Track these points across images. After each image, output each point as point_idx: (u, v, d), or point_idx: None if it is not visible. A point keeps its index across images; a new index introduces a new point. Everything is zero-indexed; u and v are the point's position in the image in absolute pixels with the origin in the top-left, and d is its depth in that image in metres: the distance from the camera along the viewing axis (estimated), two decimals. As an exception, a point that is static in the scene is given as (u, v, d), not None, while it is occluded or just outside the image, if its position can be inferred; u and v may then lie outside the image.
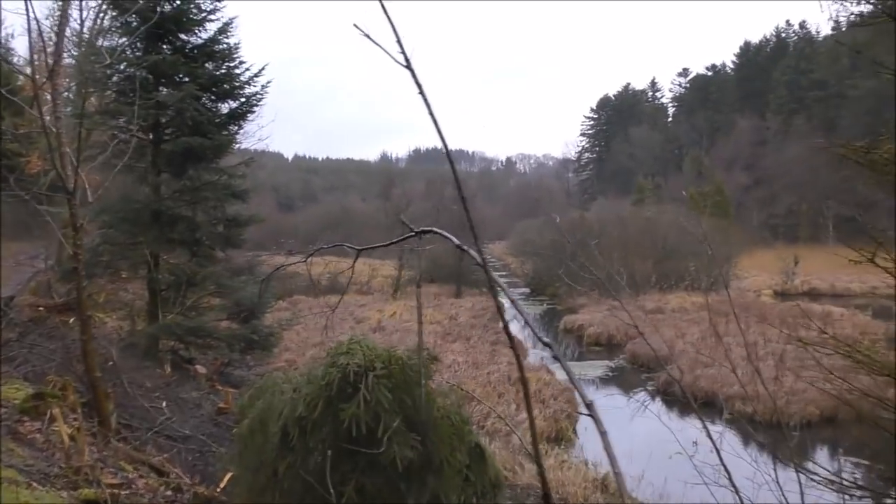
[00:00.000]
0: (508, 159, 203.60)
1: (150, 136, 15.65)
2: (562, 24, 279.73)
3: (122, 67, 15.81)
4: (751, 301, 32.85)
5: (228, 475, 6.56)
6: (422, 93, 1.74)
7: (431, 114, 1.77)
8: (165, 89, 15.88)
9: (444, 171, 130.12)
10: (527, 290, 43.25)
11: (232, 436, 10.30)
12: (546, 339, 2.06)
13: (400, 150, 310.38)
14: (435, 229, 2.70)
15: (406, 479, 5.54)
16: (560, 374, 18.94)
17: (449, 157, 1.72)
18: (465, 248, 2.37)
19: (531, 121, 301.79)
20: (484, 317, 28.80)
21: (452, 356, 19.29)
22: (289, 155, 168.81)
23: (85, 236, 17.81)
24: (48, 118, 7.07)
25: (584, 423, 14.86)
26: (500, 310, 5.24)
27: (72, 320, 15.63)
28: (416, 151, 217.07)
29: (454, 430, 6.00)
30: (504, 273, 52.49)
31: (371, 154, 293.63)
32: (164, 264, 15.84)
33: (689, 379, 17.49)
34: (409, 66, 1.64)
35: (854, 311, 30.48)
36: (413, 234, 2.61)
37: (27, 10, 6.45)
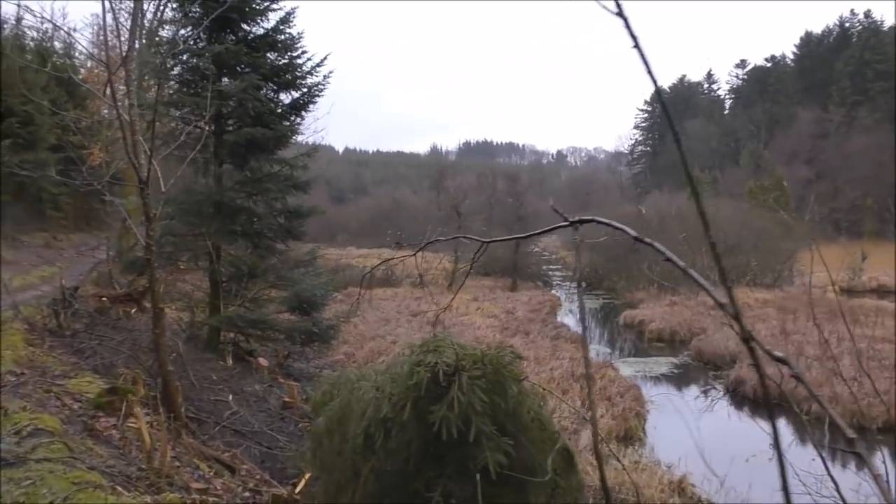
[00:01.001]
0: (559, 152, 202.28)
1: (212, 127, 15.56)
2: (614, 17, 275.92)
3: (184, 58, 15.77)
4: (818, 297, 31.84)
5: (306, 476, 6.29)
6: (637, 46, 1.38)
7: (649, 70, 1.42)
8: (227, 80, 15.79)
9: (493, 163, 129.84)
10: (583, 284, 42.63)
11: (301, 431, 10.13)
12: (778, 354, 1.64)
13: (450, 143, 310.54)
14: (597, 218, 2.33)
15: (497, 486, 5.22)
16: (625, 371, 18.48)
17: (662, 103, 1.34)
18: (647, 240, 1.99)
19: (582, 113, 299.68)
20: (542, 311, 28.40)
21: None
22: (339, 148, 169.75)
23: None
24: (121, 106, 6.87)
25: (653, 422, 14.40)
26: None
27: (134, 311, 15.71)
28: (466, 144, 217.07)
29: (545, 434, 5.67)
30: (558, 266, 51.87)
31: (421, 147, 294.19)
32: (225, 256, 15.77)
33: (756, 378, 16.87)
34: (620, 14, 1.30)
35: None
36: (567, 223, 2.24)
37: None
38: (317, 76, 16.28)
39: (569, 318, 29.85)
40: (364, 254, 48.54)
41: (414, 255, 4.18)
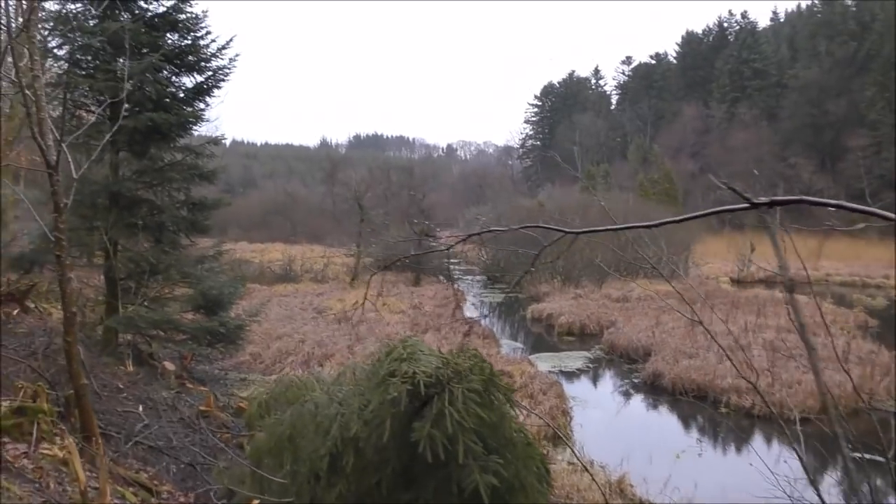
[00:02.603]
0: (449, 146, 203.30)
1: (107, 112, 14.31)
2: (503, 12, 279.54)
3: (75, 36, 14.45)
4: (714, 288, 32.65)
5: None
6: None
7: None
8: (123, 60, 14.56)
9: (384, 157, 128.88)
10: (484, 277, 42.47)
11: (225, 444, 9.24)
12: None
13: (340, 136, 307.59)
14: (803, 198, 1.76)
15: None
16: (541, 366, 18.21)
17: None
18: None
19: (472, 108, 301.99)
20: (448, 306, 27.88)
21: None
22: (227, 139, 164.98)
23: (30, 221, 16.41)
24: (24, 78, 5.91)
25: (580, 420, 14.09)
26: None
27: (16, 312, 14.31)
28: (356, 137, 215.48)
29: (530, 449, 5.12)
30: (457, 261, 51.60)
31: (310, 140, 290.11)
32: (123, 251, 14.58)
33: (675, 371, 16.89)
34: None
35: (813, 298, 30.33)
36: (749, 206, 1.69)
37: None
38: (222, 59, 15.26)
39: (474, 313, 29.54)
40: (259, 248, 46.91)
41: (449, 246, 3.47)
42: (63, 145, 5.99)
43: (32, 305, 16.32)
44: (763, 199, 1.72)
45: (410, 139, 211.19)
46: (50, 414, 6.11)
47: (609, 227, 2.91)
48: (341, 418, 4.84)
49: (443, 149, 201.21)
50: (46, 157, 5.79)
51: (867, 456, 10.42)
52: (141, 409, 9.63)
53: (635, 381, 17.62)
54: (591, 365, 19.60)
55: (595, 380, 18.48)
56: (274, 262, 37.36)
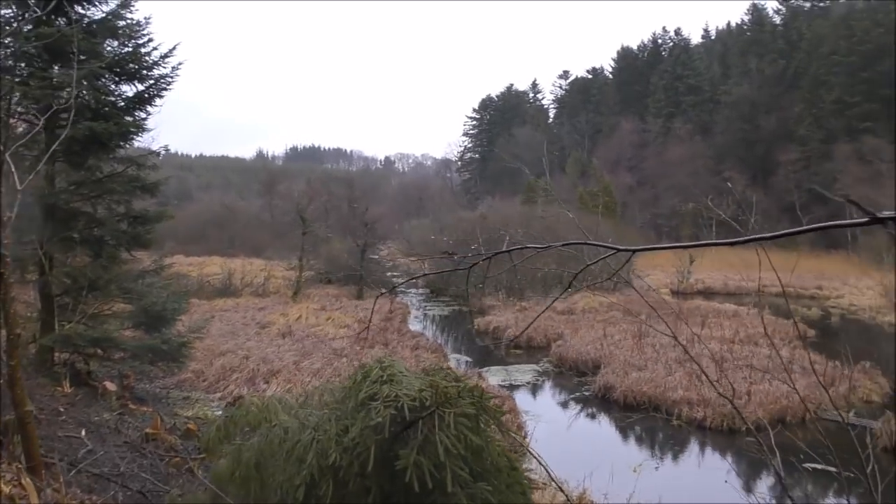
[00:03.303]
0: (387, 158, 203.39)
1: (42, 121, 13.68)
2: (441, 23, 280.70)
3: (7, 41, 13.79)
4: (656, 300, 32.89)
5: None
6: None
7: None
8: (58, 67, 13.99)
9: (322, 169, 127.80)
10: (427, 290, 42.19)
11: (176, 469, 8.80)
12: None
13: (276, 147, 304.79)
14: None
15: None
16: (492, 380, 18.05)
17: None
18: None
19: (409, 120, 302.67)
20: (395, 319, 27.58)
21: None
22: (155, 149, 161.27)
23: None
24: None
25: (534, 435, 13.92)
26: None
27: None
28: (293, 149, 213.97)
29: (516, 475, 4.87)
30: (398, 273, 51.26)
31: (246, 152, 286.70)
32: (60, 266, 13.94)
33: (625, 383, 16.89)
34: None
35: (754, 309, 30.89)
36: (871, 220, 1.44)
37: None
38: (164, 67, 14.77)
39: (419, 326, 29.26)
40: (196, 262, 45.84)
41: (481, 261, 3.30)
42: (6, 155, 5.57)
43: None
44: (889, 213, 1.50)
45: (348, 151, 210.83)
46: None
47: (669, 244, 2.69)
48: (317, 445, 4.53)
49: (381, 161, 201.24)
50: (-13, 167, 5.38)
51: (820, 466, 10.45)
52: (83, 433, 9.13)
53: (586, 393, 17.57)
54: (540, 378, 19.50)
55: (546, 393, 18.39)
56: (212, 275, 36.54)
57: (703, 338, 22.10)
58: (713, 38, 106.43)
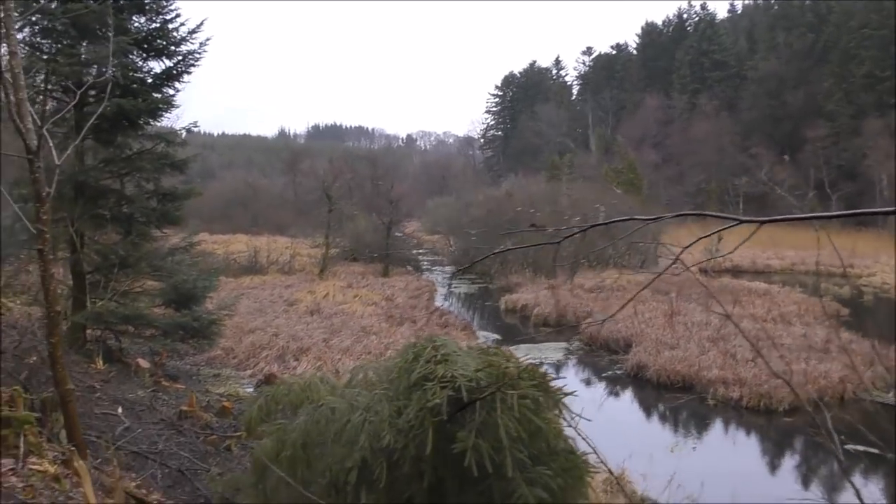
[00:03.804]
0: (409, 136, 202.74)
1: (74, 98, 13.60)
2: (463, 1, 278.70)
3: (34, 19, 13.69)
4: (685, 278, 32.54)
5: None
6: None
7: None
8: (86, 44, 13.87)
9: (344, 147, 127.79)
10: (452, 267, 41.99)
11: (215, 447, 8.73)
12: None
13: (298, 126, 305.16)
14: None
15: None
16: (523, 358, 17.87)
17: None
18: None
19: (431, 98, 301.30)
20: (422, 297, 27.49)
21: (406, 341, 17.89)
22: (178, 129, 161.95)
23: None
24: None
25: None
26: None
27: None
28: (315, 128, 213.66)
29: (574, 459, 4.72)
30: (424, 250, 51.19)
31: (268, 130, 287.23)
32: (91, 244, 13.92)
33: (658, 362, 16.66)
34: None
35: (783, 287, 30.51)
36: None
37: None
38: (192, 43, 14.63)
39: (447, 303, 29.11)
40: (220, 240, 45.90)
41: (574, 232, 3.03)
42: (44, 130, 5.44)
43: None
44: None
45: (370, 129, 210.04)
46: (35, 424, 5.57)
47: (794, 215, 2.49)
48: (369, 426, 4.39)
49: (402, 139, 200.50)
50: (27, 143, 5.26)
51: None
52: (120, 410, 9.08)
53: (618, 372, 17.37)
54: (571, 356, 19.33)
55: (577, 371, 18.22)
56: (238, 253, 36.57)
57: (735, 316, 21.80)
58: (739, 12, 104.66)
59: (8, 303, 15.94)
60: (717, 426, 13.99)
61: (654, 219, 2.87)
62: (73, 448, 4.82)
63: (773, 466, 12.31)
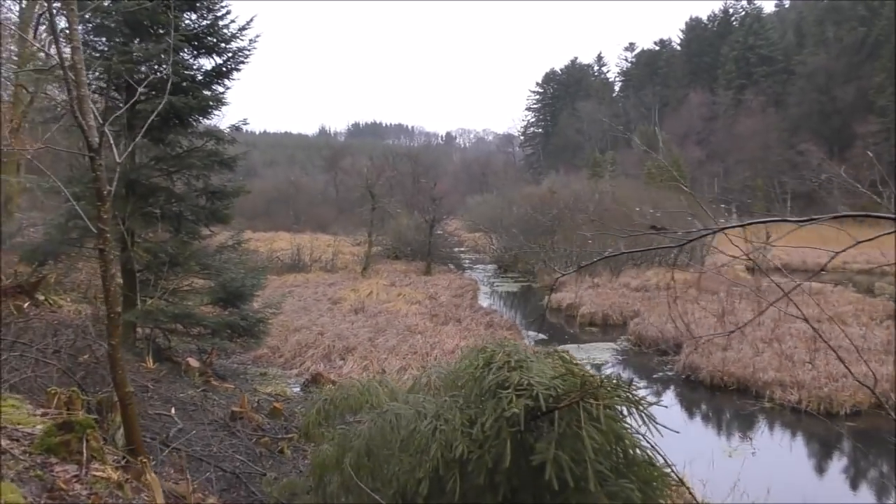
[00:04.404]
0: (448, 134, 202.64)
1: (124, 95, 13.63)
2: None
3: (87, 16, 13.75)
4: (732, 277, 31.98)
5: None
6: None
7: None
8: (139, 42, 13.90)
9: (383, 145, 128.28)
10: (494, 266, 41.79)
11: (269, 450, 8.64)
12: None
13: (338, 124, 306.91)
14: None
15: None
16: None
17: None
18: None
19: (470, 95, 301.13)
20: (465, 296, 27.32)
21: (452, 341, 17.73)
22: (224, 128, 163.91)
23: (53, 211, 15.77)
24: (65, 48, 5.27)
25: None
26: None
27: (27, 305, 13.70)
28: (355, 126, 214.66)
29: (654, 471, 4.49)
30: (464, 248, 51.01)
31: (309, 128, 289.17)
32: (141, 242, 13.96)
33: (711, 363, 16.28)
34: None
35: (836, 287, 29.82)
36: None
37: None
38: (242, 40, 14.61)
39: (490, 302, 28.91)
40: (263, 237, 46.17)
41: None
42: (105, 127, 5.36)
43: (42, 298, 15.69)
44: None
45: (409, 127, 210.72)
46: (94, 427, 5.47)
47: None
48: (442, 436, 4.21)
49: (442, 137, 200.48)
50: (88, 140, 5.16)
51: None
52: (173, 411, 9.03)
53: (669, 373, 17.02)
54: (619, 357, 19.01)
55: (627, 373, 17.89)
56: (281, 251, 36.73)
57: (785, 317, 21.26)
58: (787, 6, 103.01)
59: (59, 300, 16.12)
60: (776, 430, 13.59)
61: (807, 220, 2.67)
62: (143, 460, 4.71)
63: (840, 472, 11.93)
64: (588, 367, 4.48)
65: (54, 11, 5.47)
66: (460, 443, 4.11)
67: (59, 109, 15.24)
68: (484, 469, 4.05)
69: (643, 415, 4.07)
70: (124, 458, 5.31)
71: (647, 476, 4.36)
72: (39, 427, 5.02)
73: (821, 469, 11.97)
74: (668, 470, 4.61)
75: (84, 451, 4.51)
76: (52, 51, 5.59)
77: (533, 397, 3.97)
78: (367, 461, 4.97)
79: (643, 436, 4.56)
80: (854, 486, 11.23)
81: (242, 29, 14.46)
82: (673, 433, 4.50)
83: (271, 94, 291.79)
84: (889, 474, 11.30)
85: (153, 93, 13.55)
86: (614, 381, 4.05)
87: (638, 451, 4.51)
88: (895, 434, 10.31)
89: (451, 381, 4.96)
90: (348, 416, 6.11)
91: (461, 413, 4.30)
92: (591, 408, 3.83)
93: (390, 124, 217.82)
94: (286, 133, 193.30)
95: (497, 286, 34.74)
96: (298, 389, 14.34)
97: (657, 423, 4.11)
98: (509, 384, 4.12)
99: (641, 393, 4.40)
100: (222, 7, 14.30)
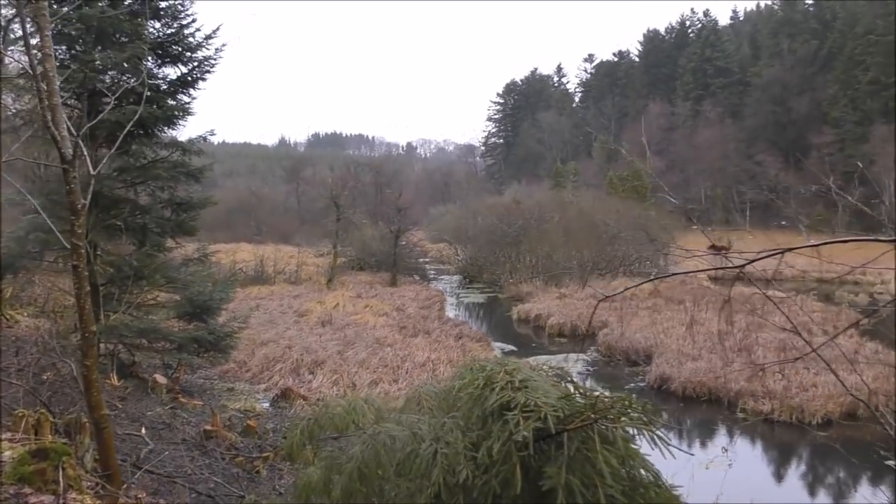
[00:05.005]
0: (409, 144, 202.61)
1: (85, 105, 13.25)
2: (463, 10, 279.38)
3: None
4: (696, 287, 32.24)
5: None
6: None
7: None
8: (101, 50, 13.54)
9: (344, 155, 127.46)
10: (459, 276, 41.62)
11: (246, 471, 8.36)
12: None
13: (298, 134, 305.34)
14: None
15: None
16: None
17: None
18: None
19: (430, 106, 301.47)
20: (433, 307, 27.12)
21: (422, 353, 17.51)
22: (181, 138, 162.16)
23: (12, 223, 15.28)
24: (35, 55, 5.03)
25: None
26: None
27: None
28: (315, 136, 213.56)
29: (663, 494, 4.35)
30: (428, 259, 50.82)
31: (269, 139, 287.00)
32: (104, 254, 13.55)
33: (682, 374, 16.29)
34: None
35: (798, 295, 30.07)
36: None
37: None
38: (207, 49, 14.32)
39: (457, 313, 28.76)
40: (225, 249, 45.48)
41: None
42: (78, 138, 5.11)
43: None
44: None
45: (370, 137, 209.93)
46: (70, 454, 5.20)
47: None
48: (444, 459, 4.02)
49: (403, 147, 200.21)
50: (62, 151, 4.92)
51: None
52: (143, 430, 8.71)
53: (641, 384, 17.00)
54: (590, 368, 18.96)
55: (598, 384, 17.83)
56: (244, 262, 36.20)
57: (754, 326, 21.41)
58: (742, 18, 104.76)
59: (16, 315, 15.59)
60: (750, 441, 13.62)
61: (852, 238, 2.56)
62: (116, 491, 4.45)
63: (818, 482, 11.96)
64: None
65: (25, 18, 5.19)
66: (464, 467, 3.93)
67: (16, 119, 14.80)
68: (490, 495, 3.88)
69: (655, 436, 3.93)
70: (97, 483, 5.05)
71: (654, 498, 4.22)
72: (7, 453, 4.75)
73: (796, 479, 11.99)
74: (676, 491, 4.48)
75: (61, 479, 4.25)
76: (20, 58, 5.32)
77: (541, 419, 3.80)
78: (359, 485, 4.76)
79: (649, 455, 4.42)
80: (832, 494, 11.25)
81: (208, 38, 14.21)
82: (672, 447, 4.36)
83: (230, 105, 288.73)
84: (869, 481, 11.35)
85: (117, 102, 13.23)
86: (625, 401, 3.90)
87: (643, 471, 4.38)
88: (889, 443, 10.30)
89: (447, 401, 4.77)
90: (332, 436, 5.90)
91: (463, 436, 4.12)
92: (608, 431, 3.67)
93: (351, 134, 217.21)
94: (245, 143, 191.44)
95: (463, 297, 34.60)
96: (268, 405, 14.04)
97: (669, 444, 3.98)
98: (515, 405, 3.95)
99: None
100: (187, 16, 13.99)
